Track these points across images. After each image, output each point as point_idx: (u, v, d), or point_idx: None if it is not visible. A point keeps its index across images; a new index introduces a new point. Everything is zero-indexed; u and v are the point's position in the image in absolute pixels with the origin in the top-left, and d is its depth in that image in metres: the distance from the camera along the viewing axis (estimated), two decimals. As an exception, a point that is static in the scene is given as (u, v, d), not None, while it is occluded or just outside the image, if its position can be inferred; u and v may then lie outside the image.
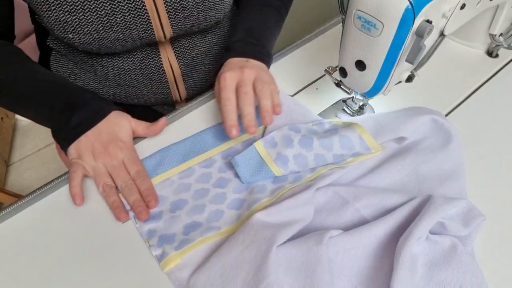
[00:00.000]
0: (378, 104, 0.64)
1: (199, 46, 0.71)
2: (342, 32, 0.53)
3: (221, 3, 0.64)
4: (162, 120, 0.59)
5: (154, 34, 0.62)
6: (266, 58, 0.62)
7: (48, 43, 0.67)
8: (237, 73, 0.56)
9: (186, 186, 0.54)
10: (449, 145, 0.55)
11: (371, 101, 0.63)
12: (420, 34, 0.46)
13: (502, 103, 0.65)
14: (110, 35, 0.59)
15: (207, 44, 0.72)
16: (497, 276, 0.45)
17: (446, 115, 0.63)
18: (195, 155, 0.57)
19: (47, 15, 0.56)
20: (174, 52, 0.68)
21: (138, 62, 0.66)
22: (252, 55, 0.60)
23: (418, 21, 0.45)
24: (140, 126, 0.58)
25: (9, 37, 0.64)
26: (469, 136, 0.59)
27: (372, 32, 0.48)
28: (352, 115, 0.62)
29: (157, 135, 0.59)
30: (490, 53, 0.73)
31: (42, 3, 0.55)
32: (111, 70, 0.66)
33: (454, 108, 0.64)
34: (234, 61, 0.59)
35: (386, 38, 0.47)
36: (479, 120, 0.62)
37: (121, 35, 0.59)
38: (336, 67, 0.58)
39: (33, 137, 1.69)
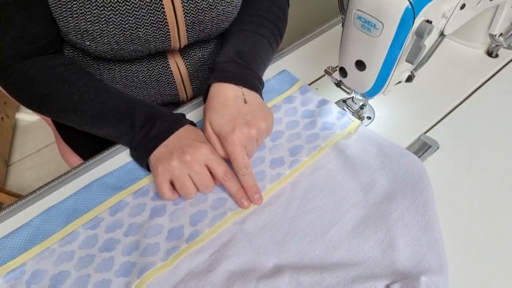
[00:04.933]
0: (378, 104, 0.64)
1: (204, 48, 0.71)
2: (342, 32, 0.53)
3: (232, 16, 0.65)
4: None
5: (171, 46, 0.62)
6: (259, 85, 0.59)
7: None
8: (245, 135, 0.52)
9: (69, 254, 0.47)
10: (425, 216, 0.48)
11: (371, 101, 0.63)
12: (420, 34, 0.46)
13: (502, 103, 0.64)
14: (130, 47, 0.59)
15: (212, 45, 0.72)
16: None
17: (446, 115, 0.63)
18: (79, 215, 0.51)
19: (65, 21, 0.55)
20: (181, 54, 0.68)
21: (146, 64, 0.67)
22: (246, 83, 0.56)
23: (418, 21, 0.45)
24: (213, 137, 0.55)
25: (58, 43, 0.61)
26: (469, 136, 0.59)
27: (372, 32, 0.48)
28: (352, 115, 0.62)
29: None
30: (490, 53, 0.73)
31: (64, 8, 0.53)
32: (118, 73, 0.66)
33: (454, 108, 0.64)
34: (230, 98, 0.54)
35: (386, 38, 0.47)
36: (479, 120, 0.62)
37: (139, 47, 0.60)
38: (336, 67, 0.58)
39: (33, 137, 1.69)
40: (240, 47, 0.61)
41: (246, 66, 0.58)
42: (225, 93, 0.55)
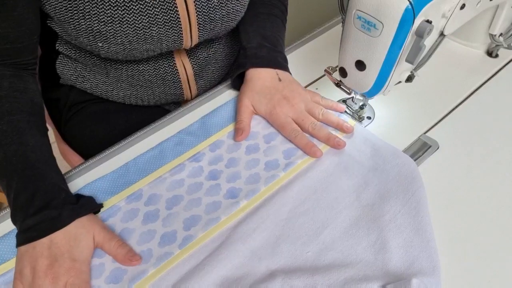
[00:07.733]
0: (378, 104, 0.64)
1: (209, 47, 0.72)
2: (342, 32, 0.53)
3: (240, 14, 0.66)
4: (138, 260, 0.47)
5: (183, 44, 0.62)
6: (287, 65, 0.64)
7: (57, 47, 0.66)
8: (288, 108, 0.59)
9: (179, 182, 0.54)
10: (418, 217, 0.48)
11: (371, 101, 0.63)
12: (420, 34, 0.46)
13: (502, 103, 0.65)
14: (142, 46, 0.59)
15: (217, 45, 0.73)
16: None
17: (446, 115, 0.63)
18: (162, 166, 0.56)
19: (77, 23, 0.54)
20: (187, 53, 0.69)
21: (153, 64, 0.67)
22: (278, 65, 0.63)
23: (418, 21, 0.45)
24: (108, 243, 0.47)
25: (31, 54, 0.57)
26: (469, 136, 0.59)
27: (372, 32, 0.48)
28: (352, 115, 0.62)
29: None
30: (490, 53, 0.73)
31: (75, 11, 0.53)
32: (125, 72, 0.66)
33: (454, 108, 0.64)
34: (267, 80, 0.61)
35: (386, 38, 0.47)
36: (479, 120, 0.62)
37: (152, 46, 0.60)
38: (336, 67, 0.58)
39: (33, 137, 1.69)
40: (262, 31, 0.66)
41: (274, 50, 0.64)
42: (262, 76, 0.61)
